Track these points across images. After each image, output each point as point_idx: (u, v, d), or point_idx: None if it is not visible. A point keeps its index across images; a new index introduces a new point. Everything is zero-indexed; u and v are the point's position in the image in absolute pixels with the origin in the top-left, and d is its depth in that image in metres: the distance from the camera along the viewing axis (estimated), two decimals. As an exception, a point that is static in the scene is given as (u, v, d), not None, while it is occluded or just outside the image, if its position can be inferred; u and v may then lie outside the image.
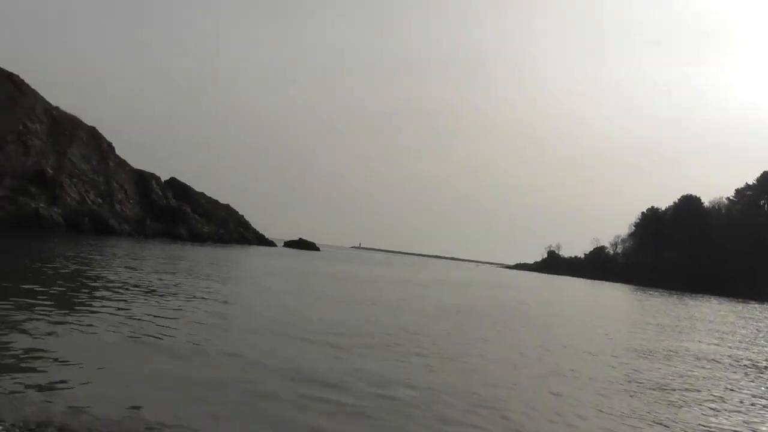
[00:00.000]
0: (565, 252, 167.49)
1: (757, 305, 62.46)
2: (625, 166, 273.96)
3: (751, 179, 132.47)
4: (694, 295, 78.40)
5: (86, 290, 12.85)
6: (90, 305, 10.76)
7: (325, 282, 25.90)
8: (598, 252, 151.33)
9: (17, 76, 49.25)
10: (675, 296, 61.69)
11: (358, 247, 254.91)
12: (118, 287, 13.67)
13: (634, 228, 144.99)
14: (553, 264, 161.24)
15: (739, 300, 75.04)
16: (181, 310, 11.58)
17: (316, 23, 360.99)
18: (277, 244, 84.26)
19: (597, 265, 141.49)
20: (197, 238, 58.95)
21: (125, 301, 11.67)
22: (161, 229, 55.46)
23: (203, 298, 13.98)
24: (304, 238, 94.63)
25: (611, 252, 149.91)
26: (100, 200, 51.53)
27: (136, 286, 14.37)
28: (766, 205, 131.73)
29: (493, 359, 10.43)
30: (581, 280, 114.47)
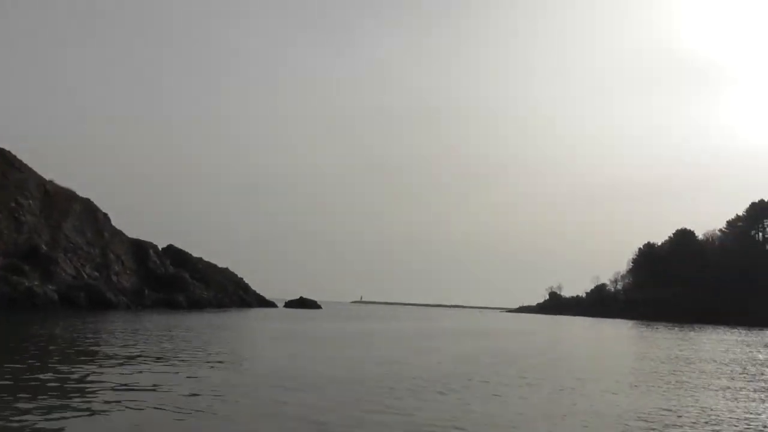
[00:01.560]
0: (567, 291, 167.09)
1: (743, 331, 62.71)
2: (623, 201, 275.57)
3: (741, 210, 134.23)
4: (692, 326, 78.08)
5: (83, 365, 12.31)
6: (88, 380, 10.24)
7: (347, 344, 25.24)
8: (599, 290, 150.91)
9: (8, 152, 49.49)
10: (676, 329, 60.98)
11: (359, 302, 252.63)
12: (119, 361, 13.12)
13: (632, 264, 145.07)
14: (556, 304, 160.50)
15: (732, 327, 75.89)
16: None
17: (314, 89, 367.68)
18: (278, 304, 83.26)
19: (598, 303, 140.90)
20: (196, 305, 58.16)
21: (127, 374, 11.14)
22: (160, 298, 54.73)
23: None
24: (304, 296, 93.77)
25: (612, 289, 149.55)
26: (96, 273, 50.95)
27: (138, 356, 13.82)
28: (756, 235, 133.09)
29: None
30: (584, 318, 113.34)
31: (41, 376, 11.29)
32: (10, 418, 7.64)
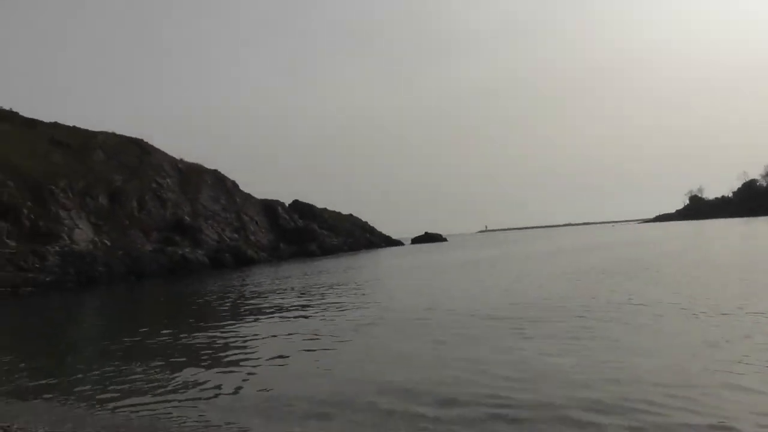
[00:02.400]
0: (709, 194, 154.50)
1: None
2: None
3: None
4: None
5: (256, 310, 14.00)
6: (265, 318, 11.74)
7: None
8: (749, 186, 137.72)
9: (141, 140, 54.53)
10: None
11: (485, 231, 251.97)
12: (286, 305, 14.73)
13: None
14: (698, 209, 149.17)
15: None
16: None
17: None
18: (404, 242, 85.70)
19: (750, 201, 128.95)
20: (328, 251, 61.56)
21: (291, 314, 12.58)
22: (294, 250, 58.55)
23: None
24: (428, 231, 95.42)
25: (765, 184, 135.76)
26: (235, 235, 55.46)
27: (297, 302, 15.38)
28: None
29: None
30: (734, 219, 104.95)
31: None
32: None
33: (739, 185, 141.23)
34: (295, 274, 27.91)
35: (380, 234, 78.59)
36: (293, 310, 14.23)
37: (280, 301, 16.61)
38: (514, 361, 7.48)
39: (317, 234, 64.57)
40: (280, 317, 13.31)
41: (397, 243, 79.81)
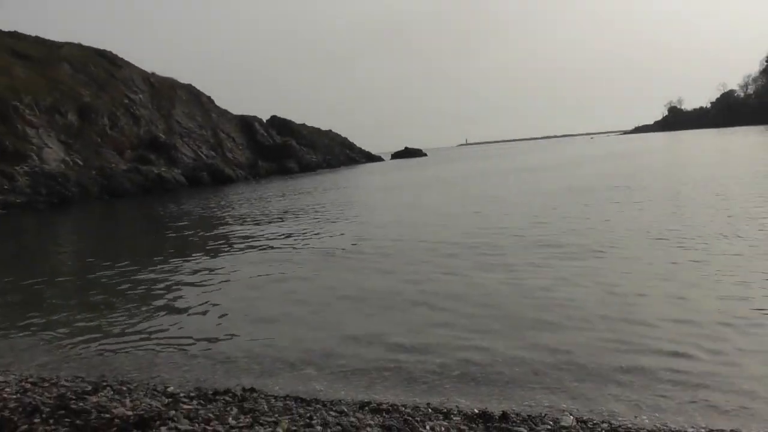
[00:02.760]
0: (689, 105, 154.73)
1: None
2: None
3: None
4: None
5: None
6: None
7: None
8: (726, 97, 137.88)
9: (109, 52, 51.91)
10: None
11: (465, 144, 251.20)
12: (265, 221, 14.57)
13: (766, 63, 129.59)
14: (677, 120, 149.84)
15: None
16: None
17: None
18: (385, 157, 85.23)
19: (726, 112, 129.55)
20: (307, 168, 61.02)
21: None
22: (272, 167, 57.84)
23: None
24: (409, 146, 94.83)
25: (741, 95, 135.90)
26: (212, 153, 54.40)
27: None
28: None
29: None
30: (710, 130, 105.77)
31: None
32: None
33: (718, 96, 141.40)
34: (272, 195, 27.52)
35: (360, 150, 77.86)
36: (268, 239, 14.02)
37: (256, 227, 16.40)
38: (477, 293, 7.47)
39: (296, 150, 63.68)
40: (253, 245, 13.14)
41: (378, 159, 79.30)
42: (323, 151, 69.00)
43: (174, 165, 46.91)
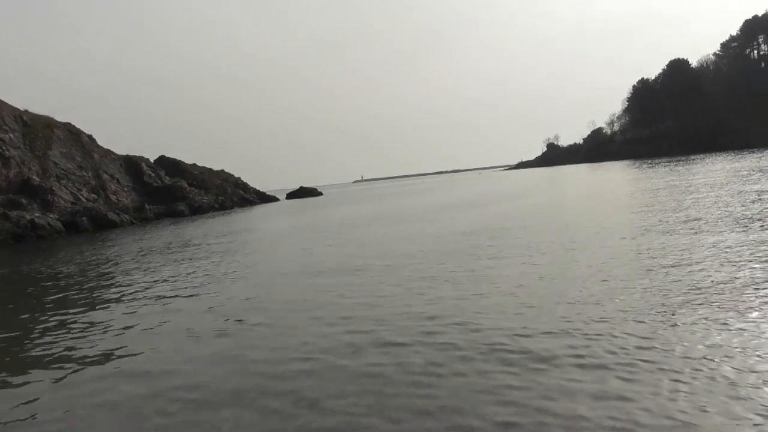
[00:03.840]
0: (565, 141, 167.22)
1: (748, 155, 62.45)
2: (612, 37, 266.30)
3: (735, 31, 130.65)
4: (691, 157, 77.67)
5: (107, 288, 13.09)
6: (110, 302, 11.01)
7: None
8: (596, 134, 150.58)
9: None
10: (672, 163, 61.56)
11: (361, 181, 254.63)
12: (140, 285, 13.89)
13: (627, 103, 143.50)
14: (554, 155, 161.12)
15: (736, 153, 74.09)
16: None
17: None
18: (280, 197, 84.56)
19: (596, 148, 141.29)
20: (198, 210, 59.20)
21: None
22: (161, 210, 55.61)
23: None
24: (304, 184, 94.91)
25: (608, 131, 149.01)
26: (94, 195, 51.49)
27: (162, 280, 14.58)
28: (752, 54, 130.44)
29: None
30: (583, 165, 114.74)
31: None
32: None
33: (589, 133, 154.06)
34: (157, 247, 26.06)
35: (254, 190, 76.75)
36: (138, 300, 13.47)
37: (137, 284, 15.73)
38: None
39: (186, 192, 61.75)
40: (132, 304, 12.64)
41: (272, 199, 78.47)
42: (215, 192, 67.36)
43: (49, 210, 43.89)
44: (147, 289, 13.99)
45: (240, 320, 9.74)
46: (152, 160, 66.13)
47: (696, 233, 13.74)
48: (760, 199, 19.45)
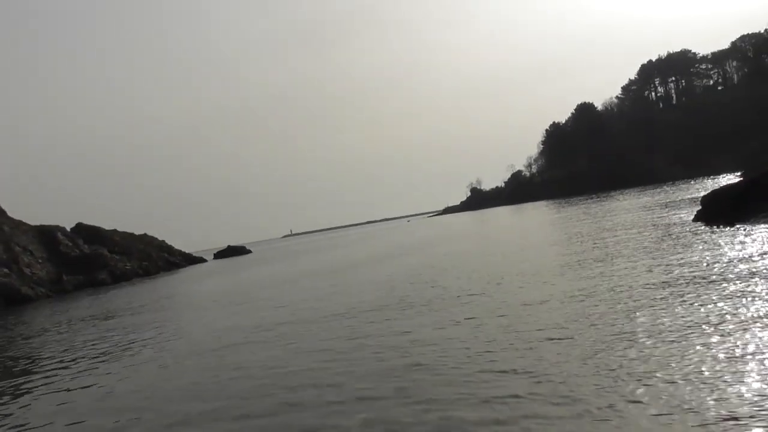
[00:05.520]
0: (487, 185, 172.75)
1: (651, 190, 67.17)
2: (527, 85, 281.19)
3: (633, 74, 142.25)
4: (602, 195, 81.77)
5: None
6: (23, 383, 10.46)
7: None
8: (516, 177, 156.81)
9: None
10: (586, 201, 65.14)
11: (290, 235, 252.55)
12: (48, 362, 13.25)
13: (542, 146, 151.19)
14: (478, 199, 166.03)
15: (641, 189, 78.52)
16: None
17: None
18: (207, 257, 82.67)
19: (517, 190, 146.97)
20: (122, 278, 57.05)
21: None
22: (81, 280, 53.22)
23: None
24: (232, 242, 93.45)
25: (527, 174, 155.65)
26: (5, 270, 48.68)
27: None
28: (650, 95, 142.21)
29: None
30: (505, 207, 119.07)
31: None
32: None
33: (509, 176, 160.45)
34: (49, 328, 23.64)
35: (180, 252, 74.79)
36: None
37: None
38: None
39: (107, 259, 59.45)
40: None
41: (200, 260, 76.67)
42: (139, 258, 65.16)
43: (-44, 290, 41.13)
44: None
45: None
46: (69, 229, 63.42)
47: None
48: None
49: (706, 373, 6.49)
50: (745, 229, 18.01)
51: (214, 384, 9.69)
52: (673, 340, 7.91)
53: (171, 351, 13.70)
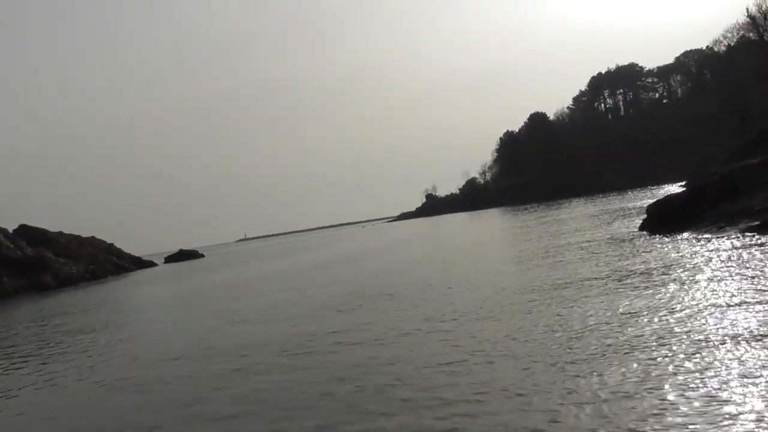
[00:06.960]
0: (442, 191, 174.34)
1: (601, 198, 69.42)
2: (480, 92, 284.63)
3: (584, 86, 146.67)
4: (553, 203, 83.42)
5: None
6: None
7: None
8: (471, 184, 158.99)
9: None
10: (538, 209, 66.76)
11: (244, 239, 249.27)
12: None
13: (496, 154, 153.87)
14: (433, 206, 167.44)
15: (591, 197, 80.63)
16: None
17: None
18: (158, 261, 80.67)
19: (472, 197, 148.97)
20: (67, 282, 55.12)
21: None
22: (23, 283, 51.19)
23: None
24: (184, 246, 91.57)
25: (482, 181, 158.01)
26: (-59, 273, 46.45)
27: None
28: (599, 107, 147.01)
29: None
30: (460, 214, 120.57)
31: None
32: None
33: (463, 183, 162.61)
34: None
35: (129, 256, 72.81)
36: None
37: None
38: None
39: (52, 262, 57.33)
40: None
41: (150, 264, 74.78)
42: (86, 261, 63.11)
43: None
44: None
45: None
46: (11, 230, 60.95)
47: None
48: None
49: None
50: (684, 238, 18.87)
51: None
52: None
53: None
